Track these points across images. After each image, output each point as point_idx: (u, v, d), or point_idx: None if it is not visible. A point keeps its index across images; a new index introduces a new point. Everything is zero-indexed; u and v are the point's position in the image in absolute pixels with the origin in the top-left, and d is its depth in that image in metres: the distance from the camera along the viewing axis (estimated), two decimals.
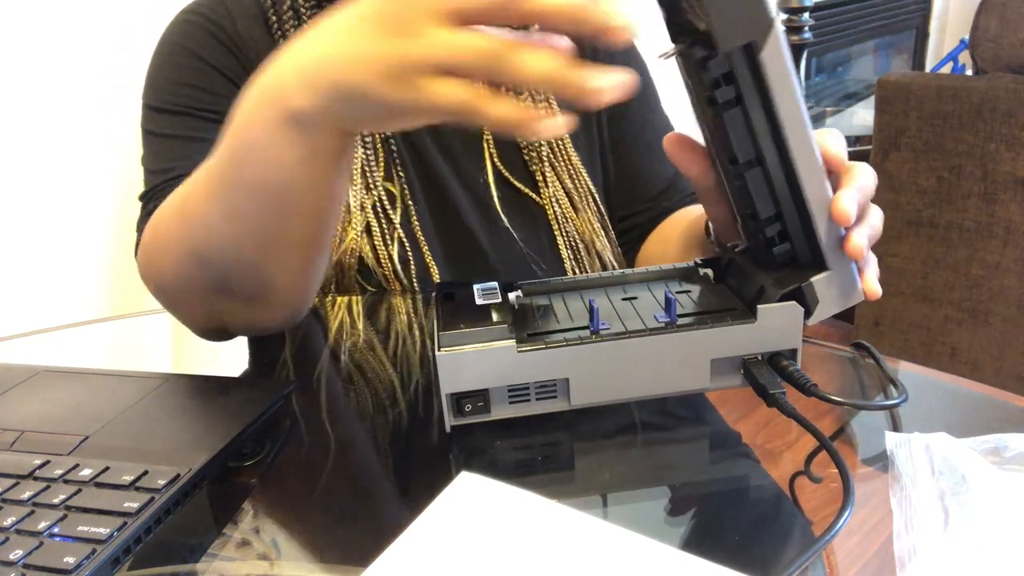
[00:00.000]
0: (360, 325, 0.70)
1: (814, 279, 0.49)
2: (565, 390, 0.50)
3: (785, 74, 0.45)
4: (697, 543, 0.40)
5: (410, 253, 0.75)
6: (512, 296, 0.54)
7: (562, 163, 0.79)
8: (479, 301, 0.53)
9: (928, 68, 3.35)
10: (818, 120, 2.46)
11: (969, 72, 2.76)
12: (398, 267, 0.74)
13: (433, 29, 0.40)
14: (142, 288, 0.63)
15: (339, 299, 0.75)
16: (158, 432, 0.51)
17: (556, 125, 0.41)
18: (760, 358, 0.50)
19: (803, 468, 0.48)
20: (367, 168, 0.74)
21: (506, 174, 0.78)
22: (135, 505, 0.43)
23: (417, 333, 0.67)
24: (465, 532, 0.39)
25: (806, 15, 2.26)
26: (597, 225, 0.80)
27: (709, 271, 0.57)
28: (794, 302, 0.49)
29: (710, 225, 0.65)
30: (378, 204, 0.75)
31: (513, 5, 0.40)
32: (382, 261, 0.74)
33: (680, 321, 0.50)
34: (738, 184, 0.51)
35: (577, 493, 0.47)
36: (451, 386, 0.49)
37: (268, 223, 0.52)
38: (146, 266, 0.62)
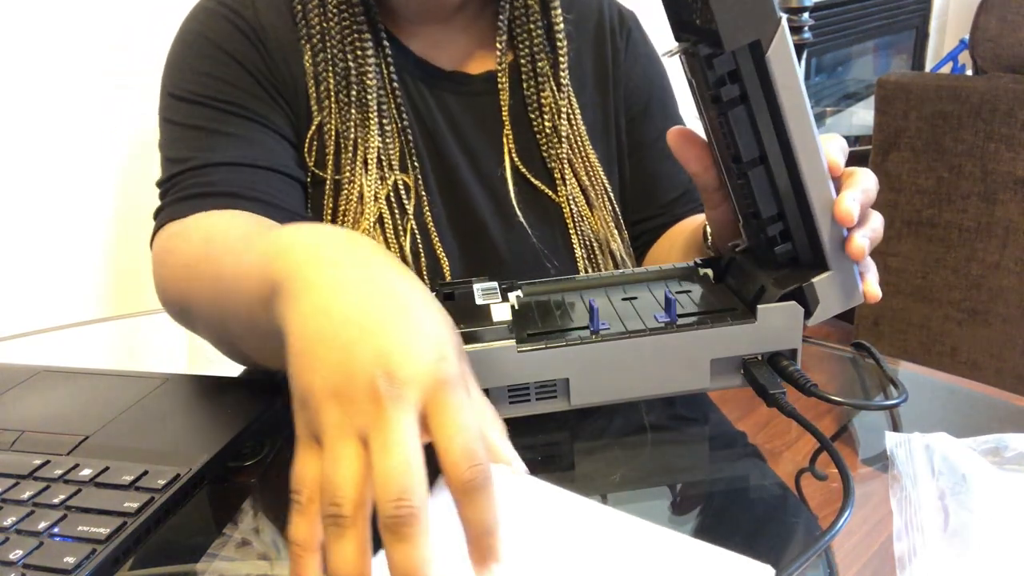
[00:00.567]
0: None
1: (815, 279, 0.49)
2: (565, 390, 0.50)
3: (790, 73, 0.45)
4: (705, 540, 0.40)
5: (421, 245, 0.75)
6: (512, 296, 0.54)
7: (580, 161, 0.79)
8: (479, 301, 0.53)
9: (928, 68, 3.35)
10: (818, 120, 2.46)
11: (969, 72, 2.76)
12: (409, 259, 0.74)
13: (355, 431, 0.36)
14: (143, 288, 0.63)
15: None
16: (158, 432, 0.51)
17: None
18: (760, 358, 0.50)
19: (803, 468, 0.48)
20: (383, 158, 0.74)
21: (524, 170, 0.78)
22: (135, 505, 0.43)
23: None
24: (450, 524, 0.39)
25: (806, 15, 2.26)
26: (612, 224, 0.80)
27: (709, 271, 0.57)
28: (794, 302, 0.49)
29: (707, 230, 0.65)
30: (392, 195, 0.75)
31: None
32: (394, 253, 0.74)
33: (680, 321, 0.50)
34: (741, 183, 0.51)
35: (582, 493, 0.47)
36: None
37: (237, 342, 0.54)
38: (160, 291, 0.63)
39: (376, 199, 0.74)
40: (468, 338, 0.48)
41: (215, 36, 0.72)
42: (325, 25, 0.72)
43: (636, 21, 0.86)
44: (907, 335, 1.70)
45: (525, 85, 0.78)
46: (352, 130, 0.73)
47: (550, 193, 0.79)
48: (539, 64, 0.78)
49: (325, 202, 0.74)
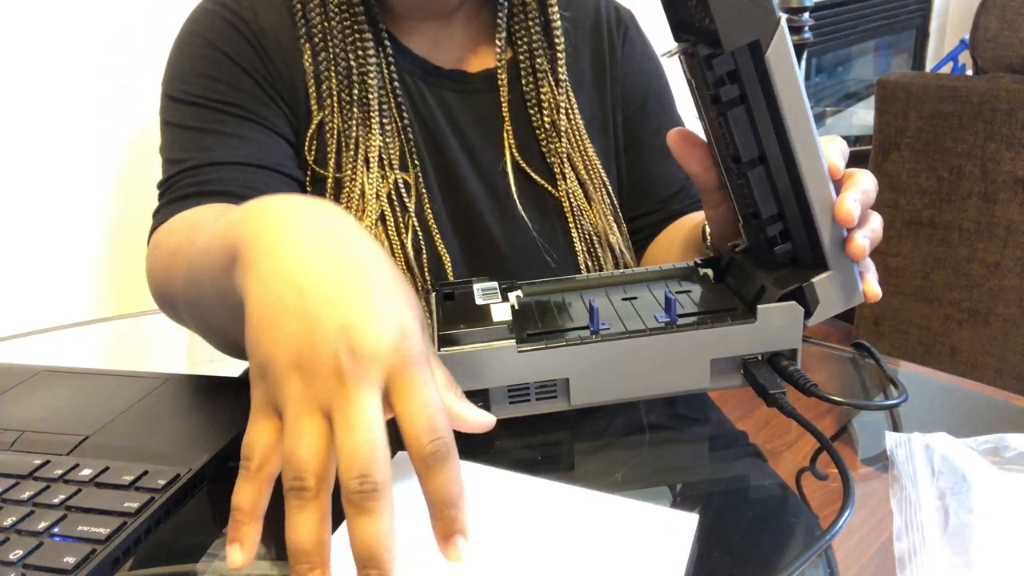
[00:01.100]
0: None
1: (815, 279, 0.49)
2: (565, 390, 0.50)
3: (790, 73, 0.45)
4: (705, 539, 0.40)
5: (423, 242, 0.75)
6: (512, 296, 0.54)
7: (579, 156, 0.80)
8: (479, 301, 0.53)
9: (928, 68, 3.35)
10: (818, 120, 2.46)
11: (969, 72, 2.76)
12: (411, 256, 0.74)
13: (319, 405, 0.36)
14: (142, 288, 0.63)
15: None
16: (158, 432, 0.51)
17: None
18: (760, 358, 0.50)
19: (804, 468, 0.48)
20: (384, 157, 0.75)
21: (523, 165, 0.79)
22: (135, 505, 0.43)
23: None
24: (407, 508, 0.39)
25: (806, 15, 2.26)
26: (611, 218, 0.81)
27: (709, 271, 0.57)
28: (794, 302, 0.49)
29: (707, 229, 0.65)
30: (393, 193, 0.75)
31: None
32: (395, 251, 0.74)
33: (680, 321, 0.50)
34: (740, 183, 0.51)
35: None
36: None
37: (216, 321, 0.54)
38: (151, 284, 0.63)
39: (377, 197, 0.74)
40: (468, 338, 0.48)
41: (213, 37, 0.72)
42: (326, 24, 0.73)
43: (633, 19, 0.87)
44: (907, 335, 1.70)
45: (524, 81, 0.79)
46: (354, 129, 0.73)
47: (549, 188, 0.79)
48: (537, 60, 0.78)
49: (329, 200, 0.74)
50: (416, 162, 0.76)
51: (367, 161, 0.73)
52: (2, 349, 0.71)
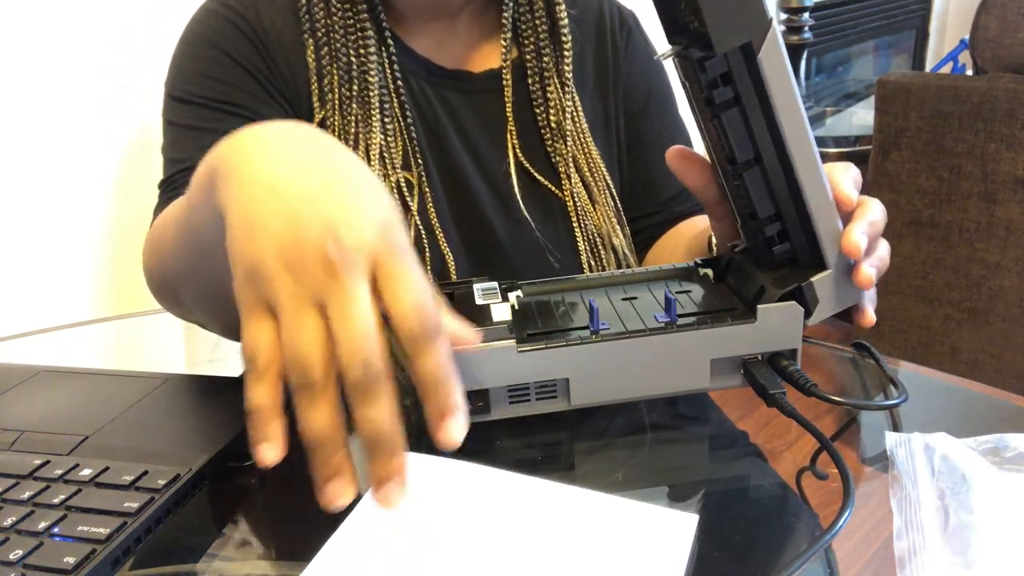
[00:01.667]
0: None
1: (814, 279, 0.49)
2: (565, 390, 0.50)
3: (783, 74, 0.45)
4: (705, 539, 0.40)
5: (426, 242, 0.75)
6: (512, 296, 0.54)
7: (583, 156, 0.80)
8: (479, 301, 0.53)
9: (928, 68, 3.35)
10: (818, 120, 2.45)
11: (969, 72, 2.76)
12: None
13: (310, 295, 0.36)
14: (143, 288, 0.63)
15: None
16: (158, 432, 0.51)
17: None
18: (760, 358, 0.50)
19: (804, 467, 0.48)
20: (385, 155, 0.75)
21: (527, 166, 0.79)
22: (135, 505, 0.43)
23: None
24: (406, 508, 0.40)
25: (806, 15, 2.26)
26: (614, 220, 0.81)
27: (709, 271, 0.57)
28: (794, 302, 0.49)
29: (713, 240, 0.65)
30: (394, 191, 0.75)
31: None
32: None
33: (680, 321, 0.50)
34: (737, 184, 0.51)
35: None
36: None
37: (200, 274, 0.53)
38: (146, 274, 0.63)
39: None
40: None
41: (215, 37, 0.72)
42: (329, 21, 0.73)
43: (636, 20, 0.87)
44: (907, 335, 1.70)
45: (530, 81, 0.79)
46: (353, 125, 0.73)
47: (554, 189, 0.79)
48: (544, 60, 0.78)
49: None
50: (419, 161, 0.76)
51: (368, 159, 0.74)
52: (2, 349, 0.72)
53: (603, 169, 0.81)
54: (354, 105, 0.73)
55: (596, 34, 0.83)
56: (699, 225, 0.78)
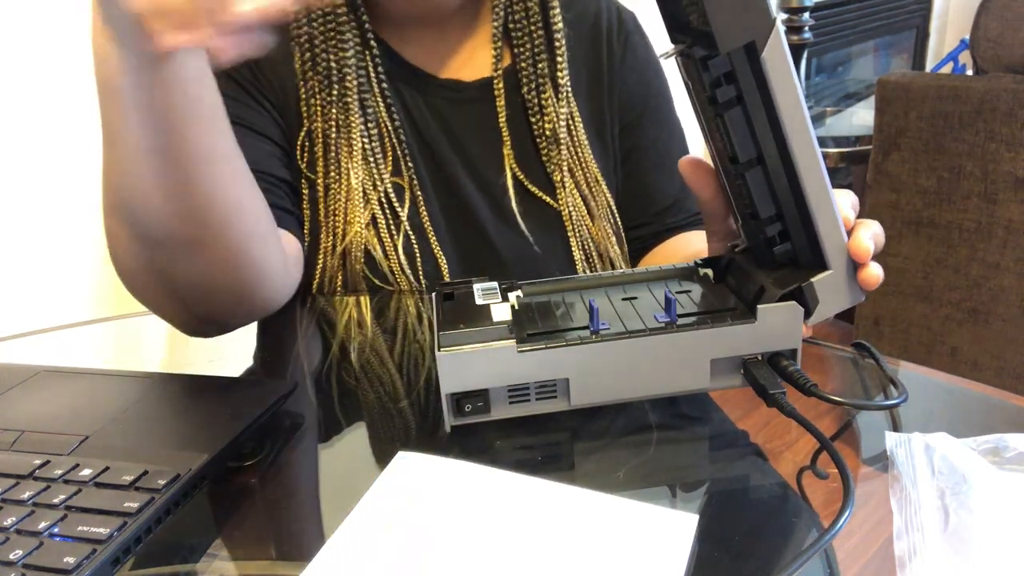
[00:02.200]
0: (362, 325, 0.70)
1: (815, 279, 0.49)
2: (565, 390, 0.50)
3: (786, 73, 0.45)
4: (705, 539, 0.40)
5: (416, 246, 0.75)
6: (512, 296, 0.54)
7: (580, 170, 0.79)
8: (479, 301, 0.53)
9: (928, 68, 3.35)
10: (818, 120, 2.45)
11: (969, 72, 2.76)
12: (403, 260, 0.74)
13: None
14: None
15: (340, 300, 0.75)
16: (158, 432, 0.51)
17: None
18: (760, 358, 0.50)
19: (804, 467, 0.48)
20: (371, 159, 0.75)
21: (523, 180, 0.78)
22: (135, 505, 0.43)
23: (418, 333, 0.67)
24: (406, 508, 0.41)
25: (806, 15, 2.26)
26: (611, 233, 0.80)
27: (709, 271, 0.57)
28: (794, 302, 0.49)
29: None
30: (383, 197, 0.75)
31: None
32: (389, 254, 0.74)
33: (680, 321, 0.50)
34: (739, 184, 0.51)
35: None
36: (451, 386, 0.49)
37: (134, 137, 0.52)
38: (113, 261, 0.61)
39: (367, 200, 0.74)
40: (468, 338, 0.48)
41: None
42: (310, 28, 0.73)
43: (636, 23, 0.85)
44: (907, 335, 1.70)
45: (525, 89, 0.78)
46: (334, 129, 0.74)
47: (550, 200, 0.79)
48: (539, 66, 0.77)
49: (320, 204, 0.74)
50: (409, 165, 0.76)
51: (351, 162, 0.74)
52: (2, 349, 0.72)
53: (603, 183, 0.80)
54: (334, 110, 0.73)
55: (591, 39, 0.81)
56: (694, 243, 0.78)
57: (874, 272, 0.49)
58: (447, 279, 0.75)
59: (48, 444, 0.49)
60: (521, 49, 0.78)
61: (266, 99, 0.74)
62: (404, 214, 0.75)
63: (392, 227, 0.74)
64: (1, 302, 1.13)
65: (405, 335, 0.67)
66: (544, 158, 0.78)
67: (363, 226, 0.74)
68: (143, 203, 0.54)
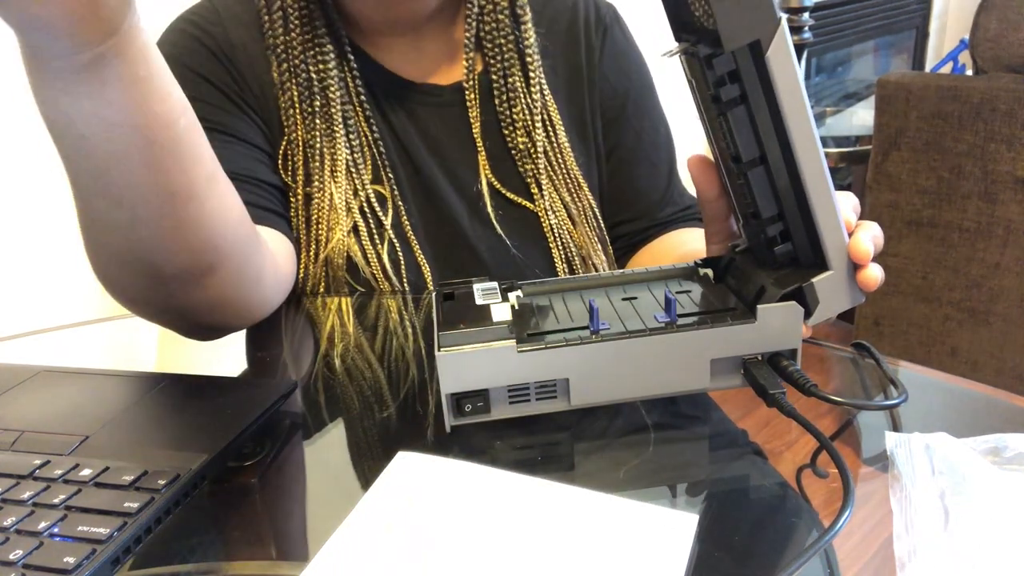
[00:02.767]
0: (359, 325, 0.70)
1: (816, 279, 0.49)
2: (565, 390, 0.50)
3: (790, 72, 0.45)
4: (705, 539, 0.40)
5: (401, 254, 0.75)
6: (512, 296, 0.54)
7: (560, 175, 0.78)
8: (479, 301, 0.53)
9: (928, 68, 3.35)
10: (818, 120, 2.45)
11: (969, 72, 2.76)
12: (388, 267, 0.74)
13: None
14: None
15: (340, 300, 0.75)
16: (158, 432, 0.51)
17: None
18: (760, 358, 0.50)
19: (804, 466, 0.48)
20: (352, 170, 0.74)
21: (498, 185, 0.78)
22: (135, 505, 0.43)
23: (418, 333, 0.67)
24: (407, 508, 0.41)
25: (806, 15, 2.26)
26: (595, 239, 0.80)
27: (709, 271, 0.57)
28: (794, 302, 0.49)
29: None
30: (365, 206, 0.75)
31: None
32: (371, 261, 0.74)
33: (680, 321, 0.50)
34: (740, 183, 0.51)
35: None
36: (451, 386, 0.49)
37: (90, 176, 0.51)
38: (101, 280, 0.61)
39: (349, 210, 0.74)
40: (468, 338, 0.48)
41: (181, 55, 0.73)
42: (287, 37, 0.73)
43: (615, 16, 0.84)
44: (907, 335, 1.70)
45: (497, 102, 0.77)
46: (318, 140, 0.73)
47: (528, 205, 0.78)
48: (511, 80, 0.77)
49: (299, 212, 0.75)
50: (390, 175, 0.76)
51: (334, 173, 0.74)
52: (2, 349, 0.72)
53: (585, 188, 0.79)
54: (317, 120, 0.73)
55: (568, 38, 0.80)
56: (688, 242, 0.77)
57: (874, 273, 0.49)
58: (429, 284, 0.75)
59: (48, 444, 0.49)
60: (492, 61, 0.77)
61: (250, 107, 0.74)
62: (388, 223, 0.75)
63: (376, 234, 0.74)
64: (1, 302, 1.13)
65: (405, 335, 0.67)
66: (520, 169, 0.78)
67: (345, 234, 0.73)
68: (155, 248, 0.54)
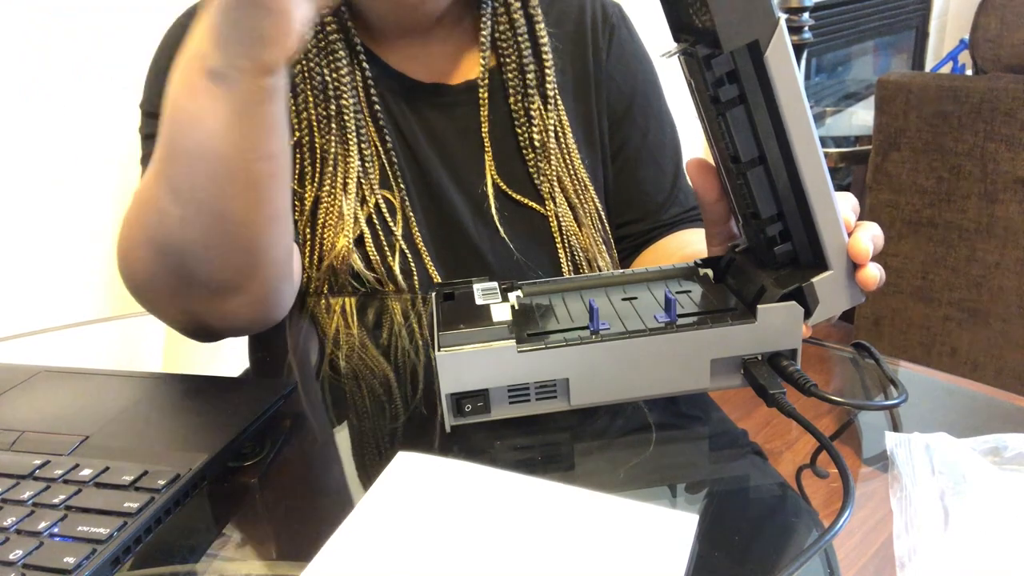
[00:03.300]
0: (360, 325, 0.70)
1: (815, 279, 0.49)
2: (565, 390, 0.50)
3: (789, 72, 0.45)
4: (705, 539, 0.40)
5: (413, 265, 0.75)
6: (512, 296, 0.54)
7: (569, 178, 0.78)
8: (479, 301, 0.53)
9: (928, 68, 3.35)
10: (818, 120, 2.45)
11: (969, 72, 2.76)
12: (399, 279, 0.74)
13: None
14: None
15: (340, 300, 0.75)
16: (158, 432, 0.51)
17: None
18: (760, 358, 0.50)
19: (804, 465, 0.48)
20: (362, 178, 0.74)
21: (505, 188, 0.78)
22: (135, 505, 0.43)
23: (418, 333, 0.67)
24: (407, 508, 0.41)
25: (806, 15, 2.25)
26: (601, 241, 0.79)
27: (709, 271, 0.57)
28: (794, 302, 0.49)
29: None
30: (374, 214, 0.74)
31: None
32: (377, 271, 0.74)
33: (680, 321, 0.50)
34: (740, 183, 0.51)
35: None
36: (451, 386, 0.49)
37: (208, 197, 0.53)
38: (120, 262, 0.61)
39: (356, 220, 0.74)
40: (468, 338, 0.48)
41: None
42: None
43: (621, 16, 0.84)
44: (907, 335, 1.70)
45: (512, 100, 0.77)
46: (333, 145, 0.73)
47: (537, 207, 0.78)
48: (528, 76, 0.76)
49: (306, 216, 0.74)
50: (401, 185, 0.75)
51: (346, 184, 0.73)
52: (2, 349, 0.71)
53: (591, 191, 0.79)
54: (333, 125, 0.73)
55: (575, 39, 0.80)
56: (692, 243, 0.77)
57: (873, 272, 0.49)
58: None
59: (48, 444, 0.49)
60: (507, 59, 0.77)
61: None
62: (399, 232, 0.74)
63: (385, 245, 0.74)
64: (1, 302, 1.13)
65: (406, 335, 0.67)
66: (532, 169, 0.78)
67: (350, 241, 0.73)
68: (189, 253, 0.56)
